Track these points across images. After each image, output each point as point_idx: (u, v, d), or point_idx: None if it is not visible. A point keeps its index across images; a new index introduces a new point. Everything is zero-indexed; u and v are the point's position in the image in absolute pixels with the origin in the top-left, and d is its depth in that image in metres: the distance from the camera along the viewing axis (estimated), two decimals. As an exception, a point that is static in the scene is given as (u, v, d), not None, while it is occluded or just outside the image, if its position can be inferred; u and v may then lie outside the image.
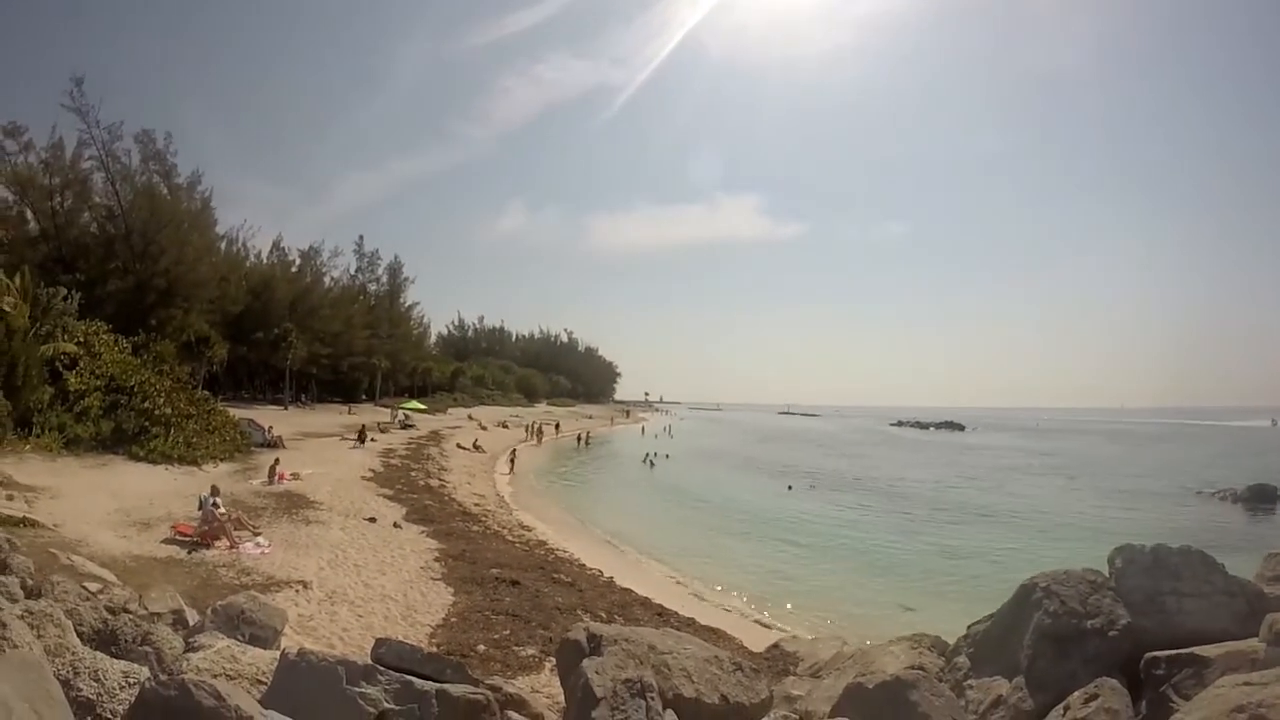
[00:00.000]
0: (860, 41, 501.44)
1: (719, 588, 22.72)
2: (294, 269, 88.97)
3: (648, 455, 64.05)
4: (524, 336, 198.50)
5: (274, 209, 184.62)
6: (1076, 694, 5.59)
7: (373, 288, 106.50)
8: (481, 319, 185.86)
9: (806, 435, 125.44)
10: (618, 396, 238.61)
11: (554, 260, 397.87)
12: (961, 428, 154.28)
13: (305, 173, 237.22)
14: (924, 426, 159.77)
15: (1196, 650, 5.84)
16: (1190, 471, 62.43)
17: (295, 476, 29.70)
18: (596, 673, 5.41)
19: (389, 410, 76.35)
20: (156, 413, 30.41)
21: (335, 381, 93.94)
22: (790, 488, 48.51)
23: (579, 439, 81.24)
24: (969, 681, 6.81)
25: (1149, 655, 5.96)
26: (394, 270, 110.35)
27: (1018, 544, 30.58)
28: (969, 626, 7.49)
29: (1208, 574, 6.70)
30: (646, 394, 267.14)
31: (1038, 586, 6.70)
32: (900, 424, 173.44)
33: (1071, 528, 34.59)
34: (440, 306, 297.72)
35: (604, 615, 16.34)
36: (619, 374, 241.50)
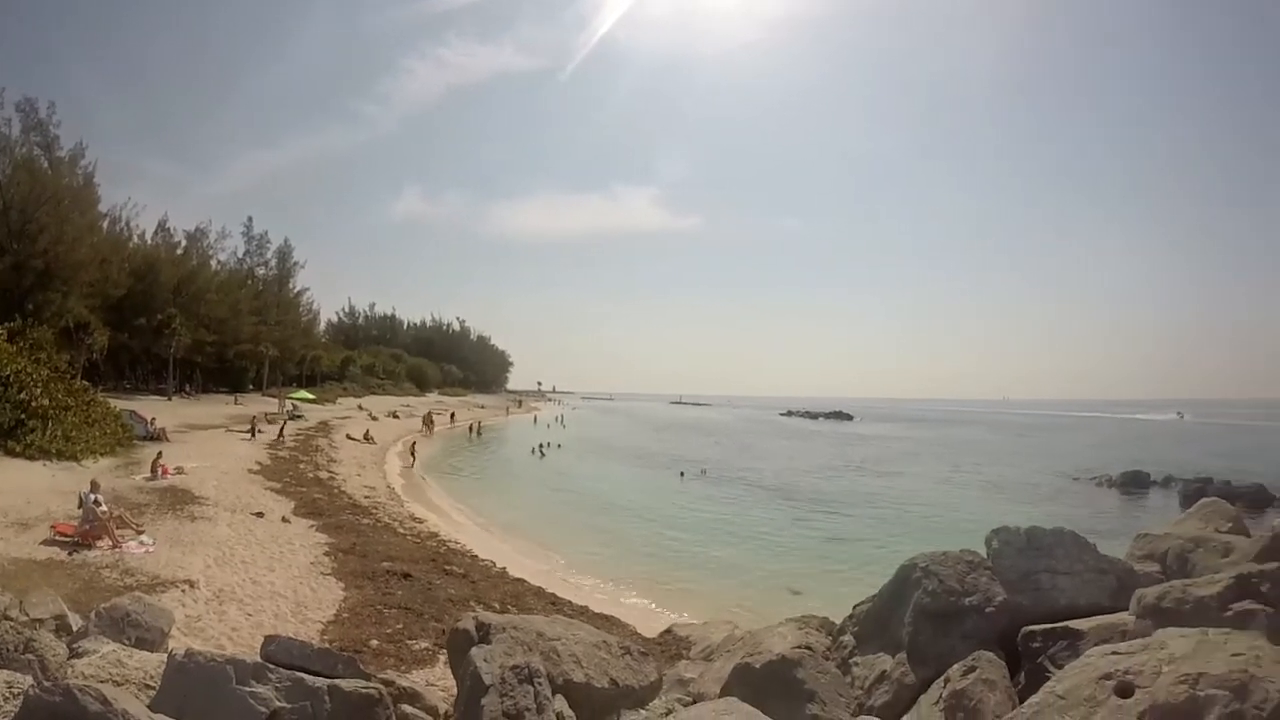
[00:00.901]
0: (771, 40, 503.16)
1: (612, 575, 22.79)
2: (179, 251, 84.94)
3: (540, 445, 63.64)
4: (415, 324, 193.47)
5: (160, 186, 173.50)
6: (955, 666, 5.82)
7: (261, 272, 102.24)
8: (373, 306, 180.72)
9: (698, 425, 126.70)
10: (510, 386, 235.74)
11: (450, 246, 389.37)
12: (849, 417, 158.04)
13: (195, 148, 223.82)
14: (813, 416, 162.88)
15: (1070, 624, 6.18)
16: (1070, 459, 65.55)
17: (180, 471, 28.59)
18: (485, 660, 5.47)
19: (277, 400, 74.43)
20: (34, 404, 28.69)
21: (221, 370, 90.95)
22: (682, 474, 49.09)
23: (471, 429, 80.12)
24: (855, 659, 7.04)
25: (1025, 629, 6.26)
26: (284, 254, 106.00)
27: (903, 529, 31.43)
28: (855, 607, 7.73)
29: (1080, 553, 7.07)
30: (539, 383, 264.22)
31: (917, 566, 7.00)
32: (790, 414, 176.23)
33: (955, 513, 35.76)
34: (330, 292, 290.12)
35: (497, 606, 16.20)
36: (511, 363, 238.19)
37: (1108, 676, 4.27)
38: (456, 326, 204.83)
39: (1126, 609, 6.16)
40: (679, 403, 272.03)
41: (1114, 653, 4.53)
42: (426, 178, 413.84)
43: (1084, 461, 61.54)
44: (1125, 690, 4.17)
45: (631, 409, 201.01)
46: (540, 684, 5.38)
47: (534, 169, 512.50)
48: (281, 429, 48.27)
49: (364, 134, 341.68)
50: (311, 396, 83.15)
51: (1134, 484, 47.99)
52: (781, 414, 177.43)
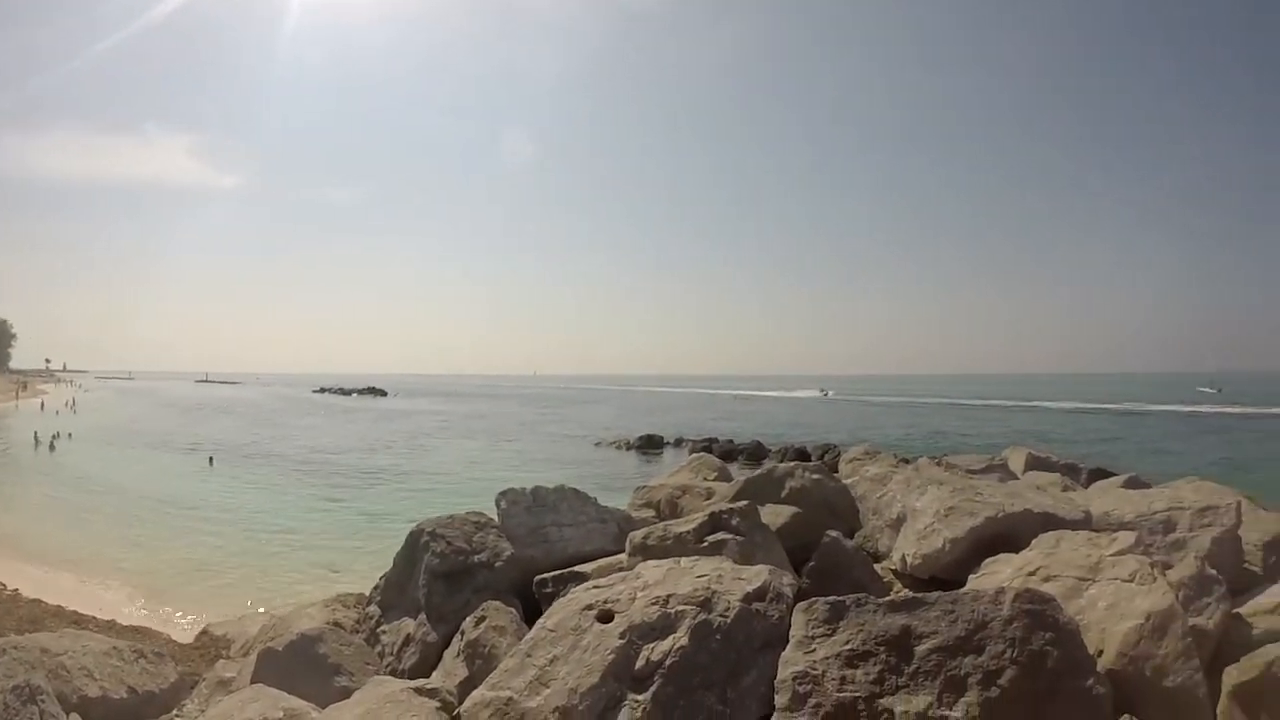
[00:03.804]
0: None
1: (139, 581, 21.06)
2: None
3: (51, 436, 55.81)
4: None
5: None
6: (468, 619, 6.39)
7: None
8: None
9: (227, 405, 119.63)
10: (14, 365, 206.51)
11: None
12: (384, 393, 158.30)
13: None
14: (346, 393, 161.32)
15: (577, 568, 7.03)
16: (597, 427, 72.43)
17: None
18: (-17, 689, 5.15)
19: None
20: None
21: None
22: (211, 461, 46.32)
23: (-40, 419, 68.96)
24: (382, 627, 7.42)
25: (538, 578, 6.98)
26: None
27: (440, 500, 32.12)
28: (380, 578, 8.11)
29: (582, 506, 8.05)
30: (48, 361, 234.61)
31: (425, 532, 7.61)
32: (323, 390, 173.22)
33: (488, 480, 37.09)
34: None
35: (13, 635, 14.61)
36: (15, 335, 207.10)
37: (590, 607, 4.98)
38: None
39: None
40: (205, 381, 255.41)
41: (595, 587, 5.28)
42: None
43: (610, 429, 67.62)
44: (606, 617, 4.89)
45: (154, 389, 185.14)
46: (44, 701, 5.17)
47: (56, 93, 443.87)
48: None
49: None
50: None
51: (650, 446, 55.30)
52: (315, 391, 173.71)
